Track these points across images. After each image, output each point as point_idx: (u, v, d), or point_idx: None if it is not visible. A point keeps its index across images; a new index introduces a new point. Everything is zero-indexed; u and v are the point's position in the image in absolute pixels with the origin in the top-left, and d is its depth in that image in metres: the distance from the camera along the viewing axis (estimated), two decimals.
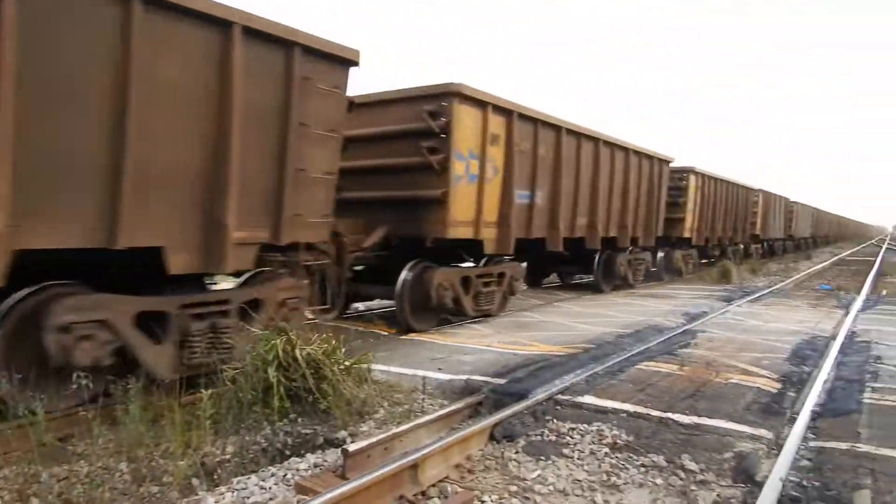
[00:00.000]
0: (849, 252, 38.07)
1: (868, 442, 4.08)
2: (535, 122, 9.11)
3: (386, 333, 7.65)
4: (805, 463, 3.83)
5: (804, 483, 3.52)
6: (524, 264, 12.37)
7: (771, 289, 14.19)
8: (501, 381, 5.30)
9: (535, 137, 9.10)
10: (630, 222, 12.58)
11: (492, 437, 4.24)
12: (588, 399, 4.91)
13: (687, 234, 16.55)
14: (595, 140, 10.93)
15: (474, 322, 8.52)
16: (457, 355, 6.36)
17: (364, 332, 7.17)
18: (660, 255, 16.04)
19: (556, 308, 10.33)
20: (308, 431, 4.18)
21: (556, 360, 6.12)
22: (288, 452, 3.98)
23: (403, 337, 7.40)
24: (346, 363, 4.70)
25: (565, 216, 10.10)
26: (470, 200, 7.92)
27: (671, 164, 14.89)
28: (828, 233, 48.23)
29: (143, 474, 3.49)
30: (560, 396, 4.97)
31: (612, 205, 11.83)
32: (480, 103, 7.92)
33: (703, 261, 19.72)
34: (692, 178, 16.41)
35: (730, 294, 12.73)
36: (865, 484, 3.49)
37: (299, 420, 4.28)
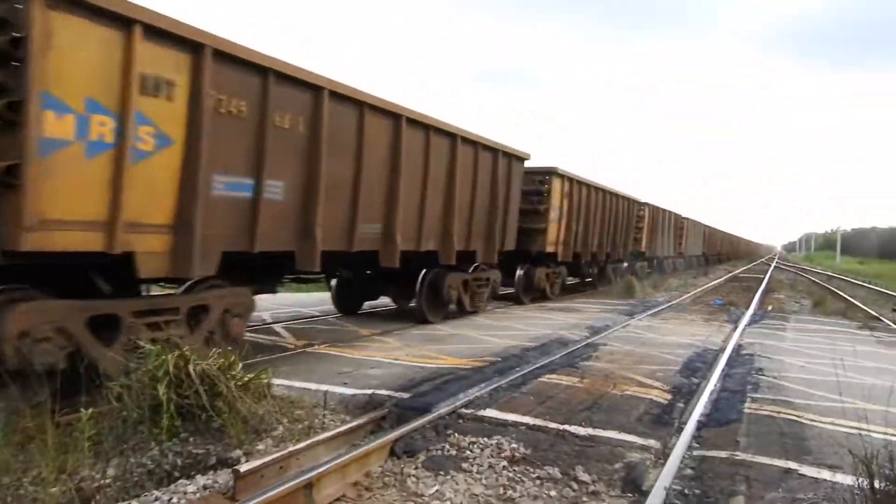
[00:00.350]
0: (742, 269, 40.84)
1: (745, 450, 4.36)
2: (265, 73, 5.90)
3: None
4: (688, 471, 4.04)
5: (686, 491, 3.71)
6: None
7: (670, 303, 14.98)
8: (406, 395, 5.29)
9: (263, 97, 5.94)
10: (458, 232, 9.83)
11: (392, 453, 4.21)
12: (490, 412, 4.97)
13: (550, 249, 14.05)
14: (394, 116, 7.93)
15: (384, 335, 8.46)
16: (364, 369, 6.29)
17: None
18: (518, 272, 13.77)
19: (466, 321, 10.43)
20: (200, 451, 3.99)
21: (462, 374, 6.18)
22: (177, 474, 3.78)
23: (310, 350, 7.24)
24: (246, 378, 4.55)
25: (333, 221, 7.02)
26: (92, 184, 4.60)
27: (528, 163, 12.38)
28: (720, 251, 51.07)
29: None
30: (463, 410, 5.01)
31: (426, 208, 8.88)
32: (114, 17, 4.60)
33: (588, 279, 18.78)
34: (556, 181, 13.84)
35: (632, 308, 13.32)
36: (740, 490, 3.72)
37: (191, 439, 4.08)
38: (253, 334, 7.81)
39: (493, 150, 10.79)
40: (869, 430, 3.85)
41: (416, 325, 9.64)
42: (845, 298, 19.69)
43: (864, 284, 28.38)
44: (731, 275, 32.06)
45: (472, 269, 11.03)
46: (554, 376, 6.30)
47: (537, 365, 6.73)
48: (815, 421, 5.08)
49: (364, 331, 8.77)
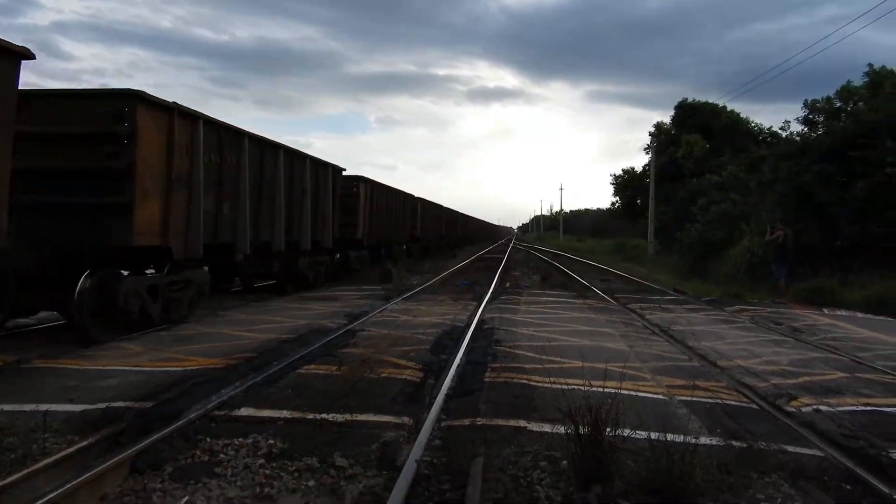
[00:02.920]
0: (486, 250, 45.01)
1: (484, 416, 4.85)
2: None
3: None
4: (437, 442, 4.37)
5: (434, 461, 4.01)
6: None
7: (423, 286, 15.91)
8: (149, 404, 4.86)
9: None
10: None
11: (134, 470, 3.84)
12: (245, 411, 4.81)
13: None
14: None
15: (123, 340, 7.63)
16: (97, 381, 5.59)
17: None
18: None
19: (220, 318, 9.88)
20: None
21: (215, 374, 5.86)
22: None
23: (26, 366, 6.21)
24: None
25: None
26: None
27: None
28: (471, 234, 56.38)
29: None
30: (216, 412, 4.77)
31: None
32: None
33: (377, 259, 21.71)
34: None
35: (389, 293, 13.86)
36: (481, 452, 4.14)
37: None
38: None
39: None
40: (577, 385, 4.57)
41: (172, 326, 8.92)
42: (566, 272, 22.93)
43: (580, 259, 33.30)
44: (476, 256, 35.15)
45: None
46: (312, 366, 6.31)
47: (295, 357, 6.66)
48: (540, 382, 5.82)
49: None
